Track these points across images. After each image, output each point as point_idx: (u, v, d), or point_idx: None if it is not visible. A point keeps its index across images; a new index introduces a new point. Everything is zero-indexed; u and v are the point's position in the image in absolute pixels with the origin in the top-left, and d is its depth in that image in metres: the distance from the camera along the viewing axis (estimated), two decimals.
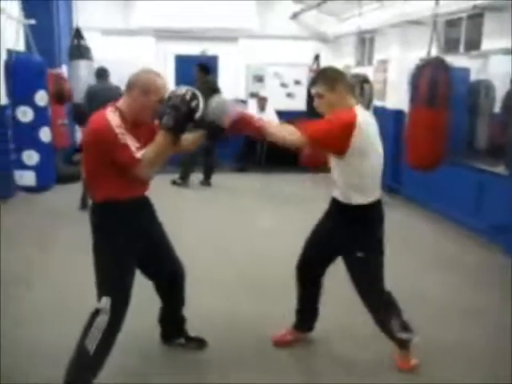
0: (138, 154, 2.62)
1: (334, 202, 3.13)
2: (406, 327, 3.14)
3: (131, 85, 2.77)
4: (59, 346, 3.02)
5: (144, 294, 3.22)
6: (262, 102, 9.89)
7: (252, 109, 10.01)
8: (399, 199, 7.66)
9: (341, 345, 3.56)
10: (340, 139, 2.80)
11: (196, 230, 5.98)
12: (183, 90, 2.66)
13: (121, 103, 2.78)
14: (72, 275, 4.47)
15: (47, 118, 4.58)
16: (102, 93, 6.51)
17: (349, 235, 3.03)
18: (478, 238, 5.90)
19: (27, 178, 4.45)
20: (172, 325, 3.41)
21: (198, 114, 2.68)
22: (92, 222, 2.86)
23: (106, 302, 2.77)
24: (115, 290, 2.83)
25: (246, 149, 9.83)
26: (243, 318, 3.86)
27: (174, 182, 8.25)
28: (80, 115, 6.78)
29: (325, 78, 2.98)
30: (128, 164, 2.63)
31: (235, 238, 5.81)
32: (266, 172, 9.29)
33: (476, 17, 6.41)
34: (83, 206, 6.50)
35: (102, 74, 7.00)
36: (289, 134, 2.82)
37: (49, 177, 4.66)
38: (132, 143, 2.64)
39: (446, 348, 3.51)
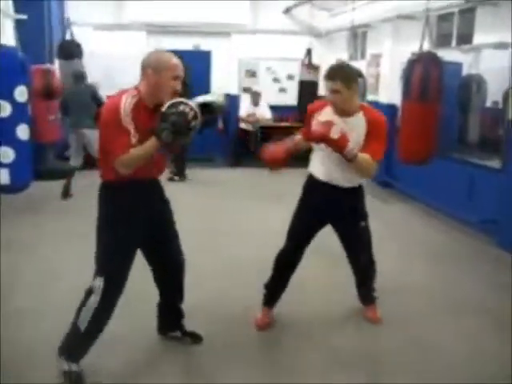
0: (129, 150, 2.61)
1: (331, 187, 3.35)
2: (375, 288, 3.84)
3: (144, 66, 2.77)
4: None
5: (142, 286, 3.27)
6: (256, 97, 9.90)
7: (245, 103, 10.04)
8: (392, 193, 7.70)
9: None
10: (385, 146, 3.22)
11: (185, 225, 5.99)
12: (186, 107, 2.65)
13: (140, 86, 2.77)
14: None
15: (26, 114, 4.45)
16: (75, 97, 6.73)
17: (353, 210, 3.46)
18: (469, 231, 5.94)
19: (1, 176, 4.31)
20: (168, 317, 3.38)
21: (194, 133, 2.71)
22: (99, 200, 2.87)
23: (99, 282, 2.80)
24: (111, 270, 2.84)
25: (239, 144, 9.85)
26: (231, 306, 3.95)
27: (170, 179, 8.25)
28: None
29: (344, 75, 3.14)
30: (116, 150, 2.62)
31: (225, 232, 5.82)
32: (259, 167, 9.25)
33: (468, 11, 6.43)
34: (65, 195, 6.81)
35: (78, 77, 7.09)
36: (368, 163, 3.11)
37: (24, 176, 4.52)
38: (134, 133, 2.62)
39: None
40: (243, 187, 8.19)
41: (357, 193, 3.46)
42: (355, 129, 3.14)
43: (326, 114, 3.22)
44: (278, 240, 3.60)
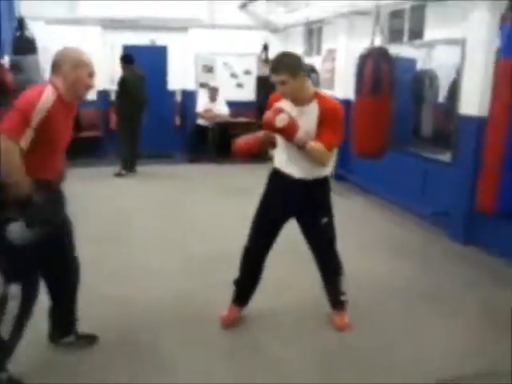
0: (18, 138, 2.52)
1: (292, 180, 3.30)
2: (344, 291, 3.65)
3: (59, 62, 2.75)
4: None
5: None
6: (213, 92, 9.87)
7: (202, 99, 10.01)
8: (348, 186, 7.80)
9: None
10: (340, 134, 3.18)
11: (143, 222, 5.96)
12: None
13: (55, 83, 2.72)
14: None
15: None
16: None
17: (314, 204, 3.36)
18: (422, 223, 6.08)
19: None
20: (61, 324, 3.26)
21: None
22: None
23: (15, 288, 2.75)
24: (25, 274, 2.80)
25: (196, 139, 9.81)
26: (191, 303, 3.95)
27: (117, 174, 8.20)
28: None
29: (286, 65, 3.10)
30: (5, 127, 2.53)
31: (183, 228, 5.82)
32: (218, 162, 9.27)
33: (418, 8, 6.55)
34: None
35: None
36: (320, 152, 3.08)
37: None
38: (30, 132, 2.54)
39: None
40: (202, 183, 8.16)
41: (319, 186, 3.36)
42: (309, 117, 3.13)
43: (284, 105, 3.18)
44: (238, 235, 3.60)
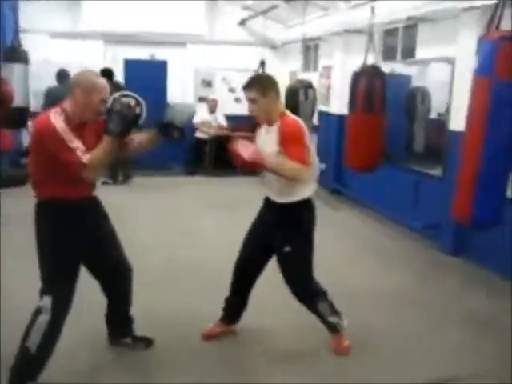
0: (85, 159, 2.69)
1: (268, 203, 3.35)
2: (335, 312, 3.46)
3: (72, 85, 2.85)
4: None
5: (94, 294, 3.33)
6: (213, 104, 10.08)
7: (200, 112, 10.19)
8: (342, 200, 7.96)
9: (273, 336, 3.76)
10: (307, 149, 3.12)
11: (137, 233, 6.09)
12: (127, 98, 2.81)
13: (66, 104, 2.83)
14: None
15: None
16: (58, 93, 6.88)
17: (283, 230, 3.25)
18: (414, 235, 6.24)
19: None
20: (118, 324, 3.43)
21: (141, 120, 2.84)
22: (36, 219, 2.89)
23: (47, 301, 2.84)
24: (58, 289, 2.88)
25: (195, 152, 9.98)
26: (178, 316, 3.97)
27: (104, 182, 8.23)
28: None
29: (258, 84, 3.20)
30: (75, 167, 2.71)
31: (179, 239, 5.94)
32: (215, 175, 9.43)
33: (411, 27, 6.77)
34: None
35: (62, 75, 7.56)
36: (293, 168, 3.02)
37: None
38: (78, 146, 2.70)
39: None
40: (199, 194, 8.31)
41: (290, 211, 3.24)
42: (270, 136, 3.19)
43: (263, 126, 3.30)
44: (231, 249, 3.60)
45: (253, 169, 3.16)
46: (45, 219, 2.88)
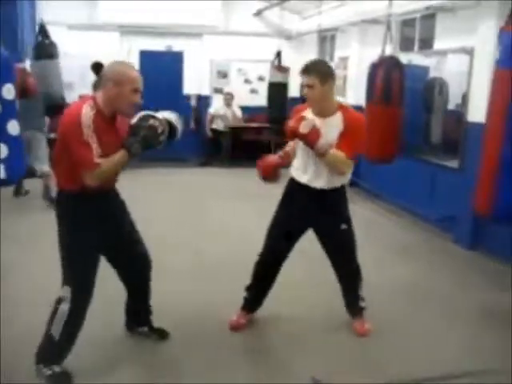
0: (98, 160, 2.67)
1: (310, 190, 3.34)
2: (363, 297, 3.66)
3: (103, 77, 2.83)
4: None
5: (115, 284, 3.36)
6: (229, 98, 10.09)
7: (218, 103, 10.21)
8: (358, 192, 7.94)
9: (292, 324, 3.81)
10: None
11: (153, 224, 6.13)
12: (155, 121, 2.79)
13: (98, 95, 2.79)
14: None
15: (15, 111, 4.60)
16: None
17: (332, 212, 3.40)
18: (431, 228, 6.21)
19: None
20: (136, 314, 3.46)
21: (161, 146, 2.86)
22: (57, 209, 2.91)
23: (67, 291, 2.87)
24: (76, 279, 2.90)
25: (211, 143, 10.01)
26: (202, 305, 4.01)
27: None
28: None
29: (319, 70, 3.16)
30: (85, 165, 2.69)
31: (195, 230, 5.96)
32: (231, 167, 9.45)
33: (429, 17, 6.71)
34: (17, 193, 7.09)
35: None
36: (339, 160, 3.16)
37: (18, 169, 4.68)
38: (96, 146, 2.67)
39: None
40: (214, 186, 8.34)
41: (337, 194, 3.38)
42: (331, 128, 3.15)
43: (307, 115, 3.21)
44: (246, 240, 3.68)
45: (277, 172, 3.38)
46: (65, 209, 2.89)
